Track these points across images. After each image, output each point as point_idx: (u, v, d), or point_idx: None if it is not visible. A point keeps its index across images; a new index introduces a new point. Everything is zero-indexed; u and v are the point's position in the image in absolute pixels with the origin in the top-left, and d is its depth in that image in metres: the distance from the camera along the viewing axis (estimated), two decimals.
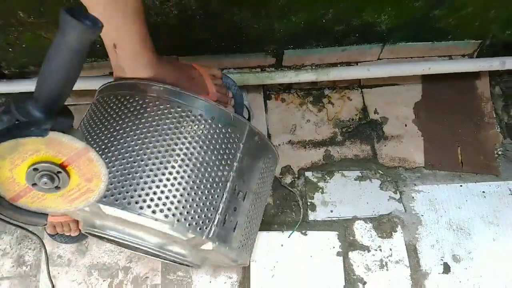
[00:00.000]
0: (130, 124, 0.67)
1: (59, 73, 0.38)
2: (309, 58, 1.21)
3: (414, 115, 1.22)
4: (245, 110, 0.89)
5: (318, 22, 1.07)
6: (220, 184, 0.68)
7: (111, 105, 0.71)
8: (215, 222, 0.66)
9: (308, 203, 1.07)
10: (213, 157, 0.68)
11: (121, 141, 0.66)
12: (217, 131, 0.70)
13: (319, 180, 1.10)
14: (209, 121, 0.70)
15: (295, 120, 1.20)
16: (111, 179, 0.62)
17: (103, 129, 0.69)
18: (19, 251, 1.01)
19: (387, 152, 1.16)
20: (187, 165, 0.66)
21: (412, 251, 1.03)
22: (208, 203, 0.66)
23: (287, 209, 1.07)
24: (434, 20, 1.13)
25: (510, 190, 1.11)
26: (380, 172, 1.12)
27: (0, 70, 1.14)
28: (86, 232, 0.74)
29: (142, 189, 0.62)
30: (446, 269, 1.01)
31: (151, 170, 0.64)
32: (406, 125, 1.20)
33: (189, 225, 0.63)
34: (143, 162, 0.64)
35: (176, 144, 0.66)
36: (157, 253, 0.71)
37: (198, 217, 0.65)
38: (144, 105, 0.69)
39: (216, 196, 0.67)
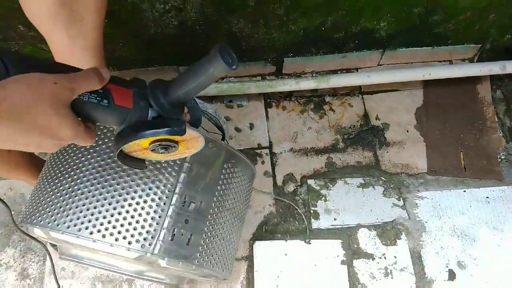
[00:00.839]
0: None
1: (195, 87, 0.47)
2: (309, 66, 1.23)
3: (415, 120, 1.23)
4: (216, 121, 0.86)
5: (317, 30, 1.08)
6: (165, 197, 0.66)
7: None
8: (160, 238, 0.64)
9: (311, 211, 1.08)
10: (154, 172, 0.66)
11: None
12: None
13: (321, 188, 1.11)
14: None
15: (297, 127, 1.21)
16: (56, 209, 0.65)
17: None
18: (22, 264, 1.02)
19: (389, 159, 1.17)
20: (122, 184, 0.65)
21: (417, 258, 1.03)
22: (150, 219, 0.65)
23: (290, 217, 1.07)
24: (433, 25, 1.14)
25: None
26: (383, 178, 1.13)
27: None
28: (64, 259, 0.76)
29: (80, 212, 0.63)
30: (451, 276, 1.01)
31: (86, 197, 0.65)
32: (407, 131, 1.21)
33: (129, 243, 0.63)
34: (73, 193, 0.66)
35: (113, 163, 0.66)
36: (133, 277, 0.72)
37: (139, 234, 0.63)
38: None
39: (160, 210, 0.65)
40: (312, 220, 1.07)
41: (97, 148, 0.68)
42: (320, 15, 1.04)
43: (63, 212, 0.64)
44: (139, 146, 0.51)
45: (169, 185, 0.67)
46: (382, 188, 1.12)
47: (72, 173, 0.67)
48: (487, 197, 1.11)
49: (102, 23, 0.65)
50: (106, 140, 0.68)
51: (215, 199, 0.72)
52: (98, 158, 0.67)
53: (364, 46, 1.20)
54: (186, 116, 0.89)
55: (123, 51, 1.07)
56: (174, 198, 0.66)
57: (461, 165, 1.17)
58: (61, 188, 0.66)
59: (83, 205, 0.64)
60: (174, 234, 0.66)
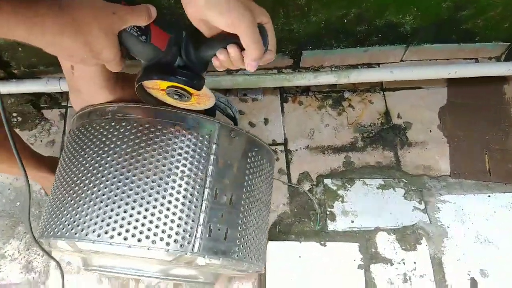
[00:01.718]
0: (80, 157, 0.68)
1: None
2: (329, 59, 1.19)
3: (439, 120, 1.19)
4: (229, 112, 0.86)
5: (339, 22, 1.04)
6: (196, 193, 0.64)
7: (75, 139, 0.71)
8: (198, 235, 0.63)
9: (328, 212, 1.05)
10: (181, 167, 0.64)
11: (82, 178, 0.66)
12: (182, 138, 0.66)
13: (339, 188, 1.08)
14: (171, 129, 0.67)
15: (313, 124, 1.17)
16: (80, 217, 0.63)
17: (71, 166, 0.69)
18: (27, 257, 1.00)
19: (411, 159, 1.13)
20: (150, 183, 0.63)
21: (437, 265, 0.99)
22: (185, 216, 0.62)
23: (305, 218, 1.04)
24: (461, 21, 1.09)
25: None
26: (404, 180, 1.09)
27: (9, 70, 1.13)
28: (91, 271, 0.74)
29: (110, 217, 0.61)
30: (474, 284, 0.98)
31: (120, 200, 0.63)
32: (430, 131, 1.17)
33: (167, 244, 0.60)
34: (104, 196, 0.63)
35: (137, 162, 0.64)
36: (163, 278, 0.70)
37: (176, 234, 0.61)
38: (95, 133, 0.69)
39: (193, 206, 0.63)
40: (328, 221, 1.03)
41: (117, 149, 0.65)
42: (343, 7, 1.00)
43: (90, 220, 0.61)
44: (158, 86, 0.58)
45: (198, 180, 0.65)
46: (403, 190, 1.08)
47: (91, 176, 0.64)
48: None
49: None
50: (125, 140, 0.66)
51: (244, 189, 0.71)
52: (120, 159, 0.64)
53: (388, 41, 1.16)
54: None
55: None
56: (206, 193, 0.65)
57: (486, 168, 1.13)
58: (82, 194, 0.64)
59: (112, 210, 0.61)
60: (211, 230, 0.64)
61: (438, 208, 1.06)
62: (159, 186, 0.63)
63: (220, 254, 0.65)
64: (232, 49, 0.51)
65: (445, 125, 1.18)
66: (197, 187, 0.65)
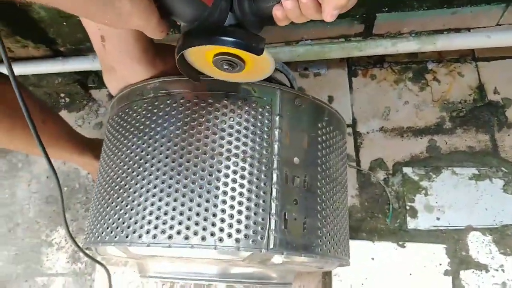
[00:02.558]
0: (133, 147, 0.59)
1: None
2: (408, 24, 1.02)
3: None
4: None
5: None
6: (263, 177, 0.53)
7: (116, 127, 0.63)
8: (272, 227, 0.52)
9: (407, 207, 0.91)
10: (241, 147, 0.54)
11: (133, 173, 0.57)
12: (239, 111, 0.56)
13: (421, 178, 0.94)
14: (225, 101, 0.56)
15: (389, 101, 1.03)
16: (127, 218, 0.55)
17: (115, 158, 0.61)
18: (74, 246, 0.96)
19: (511, 144, 0.96)
20: (208, 169, 0.54)
21: None
22: (253, 206, 0.52)
23: (378, 213, 0.92)
24: None
25: None
26: (504, 169, 0.93)
27: (55, 47, 1.09)
28: (145, 277, 0.67)
29: (166, 214, 0.52)
30: None
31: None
32: None
33: (236, 241, 0.50)
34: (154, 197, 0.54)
35: (190, 145, 0.55)
36: (233, 282, 0.62)
37: (246, 227, 0.51)
38: (137, 116, 0.60)
39: (261, 193, 0.53)
40: (408, 218, 0.90)
41: (164, 132, 0.56)
42: None
43: (143, 219, 0.52)
44: (203, 55, 0.47)
45: (264, 160, 0.54)
46: (501, 181, 0.92)
47: (138, 167, 0.56)
48: None
49: None
50: (173, 120, 0.57)
51: (319, 169, 0.60)
52: (169, 144, 0.55)
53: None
54: None
55: None
56: (274, 175, 0.54)
57: None
58: (130, 189, 0.55)
59: (167, 204, 0.52)
60: (286, 220, 0.54)
61: None
62: (218, 171, 0.53)
63: (301, 249, 0.54)
64: None
65: None
66: (263, 169, 0.54)
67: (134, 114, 0.61)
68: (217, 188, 0.52)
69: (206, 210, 0.51)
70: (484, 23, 1.04)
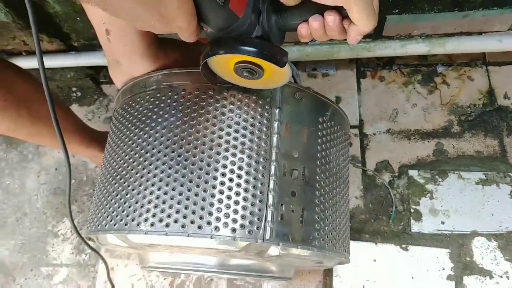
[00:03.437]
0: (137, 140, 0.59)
1: None
2: (419, 27, 1.00)
3: None
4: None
5: None
6: (261, 168, 0.54)
7: (120, 119, 0.64)
8: (268, 218, 0.52)
9: (412, 210, 0.90)
10: (240, 139, 0.54)
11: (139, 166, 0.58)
12: (239, 103, 0.56)
13: (427, 182, 0.92)
14: (225, 94, 0.56)
15: (397, 103, 1.02)
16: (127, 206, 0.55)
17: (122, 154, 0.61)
18: (79, 237, 0.98)
19: None
20: (206, 159, 0.55)
21: None
22: (250, 196, 0.52)
23: (382, 215, 0.90)
24: None
25: None
26: (511, 175, 0.91)
27: (70, 42, 1.11)
28: (149, 270, 0.68)
29: (164, 203, 0.52)
30: None
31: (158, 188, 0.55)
32: None
33: (232, 230, 0.50)
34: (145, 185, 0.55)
35: (190, 136, 0.56)
36: (232, 274, 0.61)
37: (243, 217, 0.51)
38: (140, 108, 0.61)
39: (259, 184, 0.53)
40: (412, 221, 0.89)
41: (165, 123, 0.57)
42: None
43: (142, 207, 0.53)
44: (224, 62, 0.49)
45: (262, 152, 0.55)
46: (509, 187, 0.90)
47: (139, 157, 0.57)
48: None
49: None
50: (174, 112, 0.58)
51: (318, 162, 0.60)
52: (170, 135, 0.56)
53: (494, 3, 0.95)
54: None
55: None
56: (272, 167, 0.54)
57: None
58: (131, 179, 0.56)
59: (165, 193, 0.53)
60: (283, 212, 0.54)
61: None
62: (216, 162, 0.53)
63: (298, 241, 0.54)
64: (331, 17, 0.42)
65: None
66: (262, 161, 0.54)
67: (137, 106, 0.62)
68: (215, 178, 0.52)
69: (204, 199, 0.51)
70: (496, 27, 1.02)
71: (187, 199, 0.52)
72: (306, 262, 0.65)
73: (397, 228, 0.88)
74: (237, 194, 0.52)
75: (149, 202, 0.53)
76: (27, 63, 1.09)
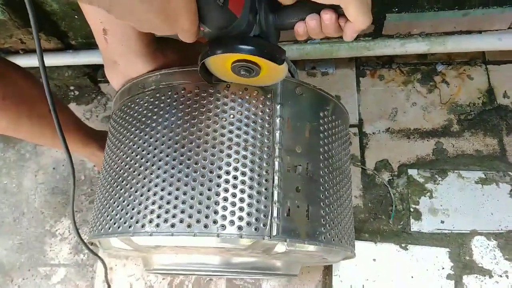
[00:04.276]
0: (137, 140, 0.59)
1: None
2: (418, 25, 1.00)
3: None
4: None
5: None
6: (265, 165, 0.53)
7: (119, 121, 0.63)
8: (274, 215, 0.51)
9: (411, 209, 0.90)
10: (243, 136, 0.54)
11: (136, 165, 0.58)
12: (239, 100, 0.56)
13: (427, 181, 0.92)
14: (225, 91, 0.56)
15: (397, 102, 1.02)
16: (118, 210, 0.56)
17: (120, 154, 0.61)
18: (77, 238, 0.97)
19: None
20: (210, 158, 0.55)
21: None
22: (256, 193, 0.52)
23: (381, 214, 0.90)
24: None
25: None
26: (511, 174, 0.91)
27: (67, 41, 1.10)
28: (151, 272, 0.68)
29: (168, 203, 0.52)
30: None
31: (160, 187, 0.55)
32: None
33: (239, 228, 0.50)
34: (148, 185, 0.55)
35: (192, 135, 0.56)
36: (239, 273, 0.61)
37: (249, 215, 0.51)
38: (139, 109, 0.61)
39: (263, 181, 0.52)
40: (412, 220, 0.88)
41: (166, 123, 0.57)
42: None
43: (146, 208, 0.52)
44: (221, 61, 0.49)
45: (265, 148, 0.54)
46: (509, 186, 0.90)
47: (141, 158, 0.56)
48: None
49: None
50: (174, 111, 0.57)
51: (321, 157, 0.59)
52: (171, 134, 0.56)
53: (494, 2, 0.95)
54: None
55: None
56: (276, 163, 0.54)
57: None
58: (133, 180, 0.56)
59: (169, 194, 0.52)
60: (288, 208, 0.53)
61: None
62: (220, 160, 0.53)
63: (304, 236, 0.53)
64: (328, 15, 0.44)
65: None
66: (265, 157, 0.54)
67: (137, 107, 0.61)
68: (219, 176, 0.52)
69: (208, 198, 0.51)
70: (497, 26, 1.02)
71: (192, 198, 0.51)
72: (312, 258, 0.65)
73: (397, 228, 0.88)
74: (242, 191, 0.52)
75: (153, 203, 0.52)
76: (25, 61, 1.08)
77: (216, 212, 0.50)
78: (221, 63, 0.50)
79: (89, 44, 1.11)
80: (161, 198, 0.52)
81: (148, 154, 0.56)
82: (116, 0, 0.35)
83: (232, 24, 0.44)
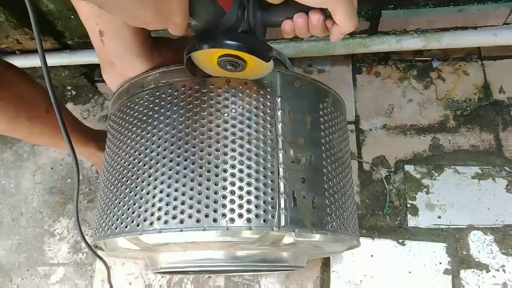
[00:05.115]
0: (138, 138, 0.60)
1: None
2: (414, 22, 1.01)
3: None
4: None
5: None
6: (269, 157, 0.54)
7: (119, 121, 0.63)
8: (282, 206, 0.52)
9: (408, 205, 0.90)
10: (246, 130, 0.55)
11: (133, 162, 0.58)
12: (240, 95, 0.57)
13: (423, 177, 0.93)
14: (226, 86, 0.57)
15: (393, 99, 1.02)
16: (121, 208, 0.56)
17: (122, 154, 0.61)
18: (76, 236, 0.98)
19: None
20: (214, 153, 0.56)
21: None
22: (262, 186, 0.53)
23: (379, 210, 0.91)
24: None
25: None
26: (507, 169, 0.92)
27: (63, 40, 1.10)
28: (158, 272, 0.68)
29: (175, 199, 0.52)
30: None
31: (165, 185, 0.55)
32: None
33: (248, 220, 0.51)
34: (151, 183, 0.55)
35: (195, 131, 0.56)
36: (247, 267, 0.62)
37: (257, 207, 0.52)
38: (139, 108, 0.61)
39: (269, 173, 0.53)
40: (409, 216, 0.89)
41: (168, 120, 0.57)
42: None
43: (153, 206, 0.53)
44: (208, 55, 0.50)
45: (269, 141, 0.55)
46: (505, 181, 0.90)
47: (144, 157, 0.57)
48: None
49: None
50: (175, 108, 0.58)
51: (323, 148, 0.60)
52: (174, 131, 0.56)
53: None
54: None
55: None
56: (280, 155, 0.55)
57: None
58: (138, 179, 0.56)
59: (176, 190, 0.52)
60: (295, 199, 0.54)
61: None
62: (224, 154, 0.54)
63: (312, 226, 0.54)
64: (316, 16, 0.44)
65: None
66: (269, 149, 0.55)
67: (137, 107, 0.61)
68: (225, 170, 0.53)
69: (216, 192, 0.52)
70: (492, 22, 1.03)
71: (199, 193, 0.52)
72: (317, 249, 0.66)
73: (394, 223, 0.89)
74: (249, 184, 0.52)
75: (160, 201, 0.52)
76: (21, 61, 1.08)
77: (224, 206, 0.51)
78: (207, 58, 0.50)
79: (86, 43, 1.11)
80: (168, 195, 0.52)
81: (152, 152, 0.56)
82: None
83: (221, 19, 0.45)
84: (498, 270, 0.83)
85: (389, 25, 1.02)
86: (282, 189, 0.53)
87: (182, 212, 0.51)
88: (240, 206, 0.51)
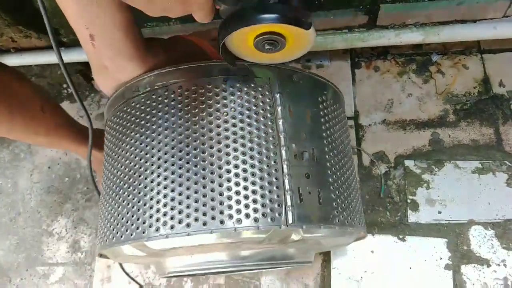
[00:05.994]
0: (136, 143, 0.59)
1: None
2: (413, 15, 1.00)
3: None
4: None
5: None
6: (272, 155, 0.54)
7: (115, 127, 0.62)
8: (288, 203, 0.52)
9: (408, 201, 0.90)
10: (247, 128, 0.55)
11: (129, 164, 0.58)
12: (238, 93, 0.56)
13: (423, 172, 0.92)
14: (223, 85, 0.56)
15: (392, 93, 1.02)
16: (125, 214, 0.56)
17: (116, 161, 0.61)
18: (74, 236, 0.97)
19: None
20: (217, 153, 0.55)
21: None
22: (267, 184, 0.52)
23: (379, 206, 0.91)
24: None
25: None
26: (508, 163, 0.91)
27: (59, 38, 1.09)
28: (166, 277, 0.68)
29: (180, 203, 0.52)
30: None
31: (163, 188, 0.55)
32: None
33: (255, 220, 0.50)
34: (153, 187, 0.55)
35: (195, 133, 0.55)
36: (257, 266, 0.61)
37: (263, 206, 0.51)
38: (136, 112, 0.60)
39: (273, 171, 0.53)
40: (409, 211, 0.89)
41: (166, 123, 0.56)
42: None
43: (158, 212, 0.52)
44: (244, 39, 0.46)
45: (270, 138, 0.55)
46: (505, 175, 0.90)
47: (145, 162, 0.56)
48: None
49: None
50: (174, 110, 0.57)
51: (325, 141, 0.60)
52: (173, 134, 0.55)
53: None
54: None
55: None
56: (283, 152, 0.55)
57: None
58: (140, 185, 0.55)
59: (180, 194, 0.52)
60: (301, 195, 0.54)
61: None
62: (227, 154, 0.53)
63: (319, 221, 0.54)
64: None
65: None
66: (271, 147, 0.54)
67: (133, 111, 0.60)
68: (228, 171, 0.52)
69: (221, 194, 0.51)
70: (491, 15, 1.02)
71: (204, 195, 0.51)
72: (325, 244, 0.66)
73: (394, 219, 0.88)
74: (254, 183, 0.52)
75: (165, 205, 0.52)
76: (16, 60, 1.08)
77: (230, 207, 0.51)
78: (243, 41, 0.47)
79: None
80: (173, 199, 0.52)
81: (153, 156, 0.55)
82: None
83: None
84: (499, 265, 0.83)
85: (388, 19, 1.01)
86: (287, 186, 0.53)
87: (188, 216, 0.51)
88: (246, 206, 0.51)
